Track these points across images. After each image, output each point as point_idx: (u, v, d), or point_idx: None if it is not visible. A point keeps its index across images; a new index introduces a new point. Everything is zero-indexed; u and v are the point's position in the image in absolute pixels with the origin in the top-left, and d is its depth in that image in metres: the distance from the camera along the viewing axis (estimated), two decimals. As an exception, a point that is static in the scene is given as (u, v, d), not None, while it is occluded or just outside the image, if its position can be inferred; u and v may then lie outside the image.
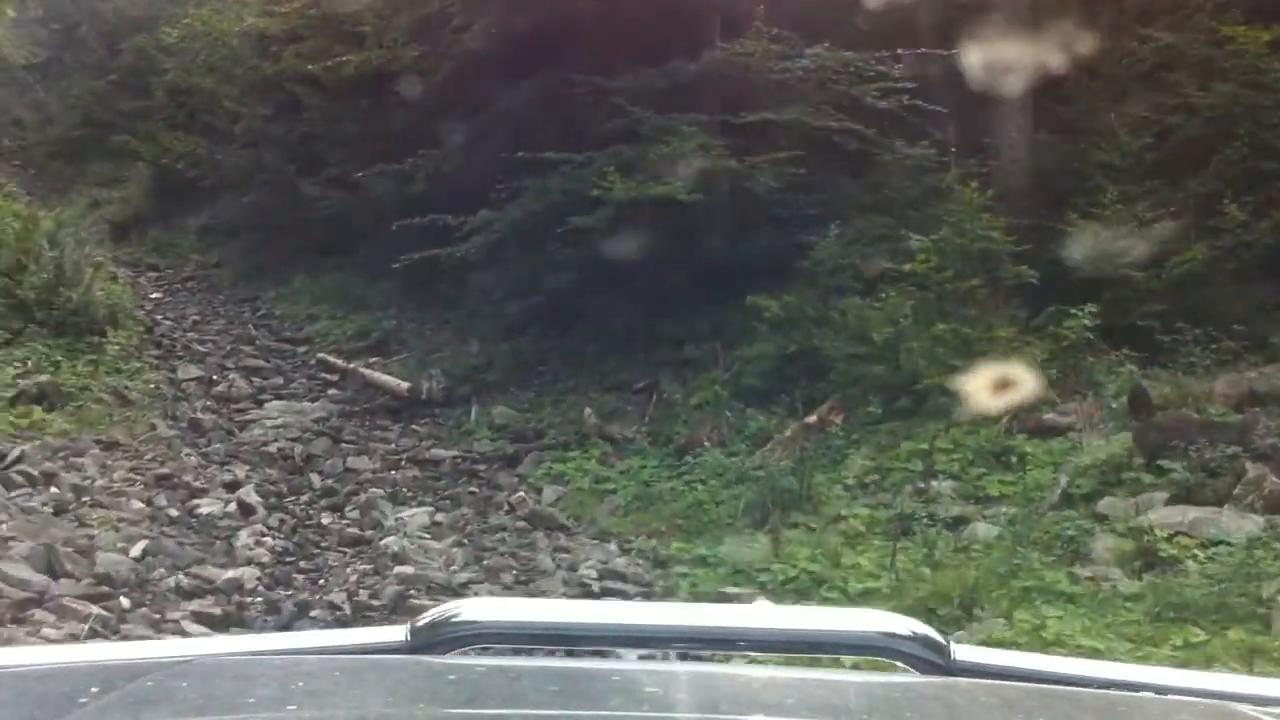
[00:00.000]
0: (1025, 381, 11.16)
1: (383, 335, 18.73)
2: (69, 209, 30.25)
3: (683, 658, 1.87)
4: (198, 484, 11.82)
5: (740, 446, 12.47)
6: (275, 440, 13.80)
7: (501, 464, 13.61)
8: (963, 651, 1.64)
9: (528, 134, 16.10)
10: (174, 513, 10.91)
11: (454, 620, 1.64)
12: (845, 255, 14.19)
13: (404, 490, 12.60)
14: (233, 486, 11.86)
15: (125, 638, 7.61)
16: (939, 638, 1.65)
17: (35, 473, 11.25)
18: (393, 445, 14.30)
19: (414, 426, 15.24)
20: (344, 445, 13.94)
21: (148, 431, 13.31)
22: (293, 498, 11.97)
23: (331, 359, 17.92)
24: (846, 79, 14.95)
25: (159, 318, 20.36)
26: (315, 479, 12.66)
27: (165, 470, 11.99)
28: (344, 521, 11.39)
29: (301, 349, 19.04)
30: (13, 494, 10.72)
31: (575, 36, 15.95)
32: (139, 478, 11.69)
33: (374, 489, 12.47)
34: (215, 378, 16.51)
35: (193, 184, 25.82)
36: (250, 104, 23.76)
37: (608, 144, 15.15)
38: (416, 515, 11.67)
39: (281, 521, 11.24)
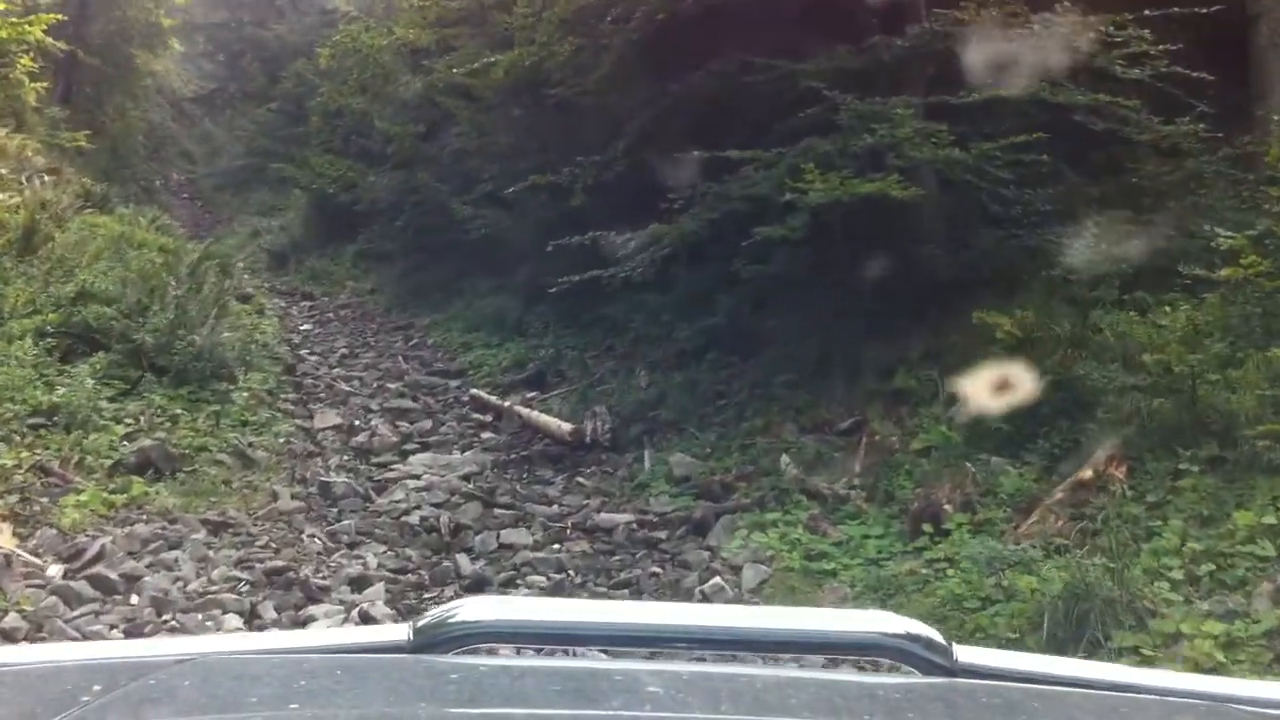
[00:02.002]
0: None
1: (541, 366, 15.53)
2: (228, 240, 28.04)
3: (686, 658, 1.63)
4: (318, 579, 8.68)
5: (995, 512, 8.91)
6: (418, 507, 10.62)
7: (686, 530, 10.24)
8: (965, 653, 1.53)
9: (702, 132, 12.69)
10: (278, 629, 7.74)
11: (456, 620, 1.52)
12: (1105, 259, 10.49)
13: (571, 574, 9.30)
14: (360, 584, 8.65)
15: None
16: (941, 639, 1.52)
17: (114, 576, 8.22)
18: (555, 507, 11.01)
19: (579, 479, 11.95)
20: (498, 511, 10.67)
21: (267, 504, 10.21)
22: (435, 593, 8.71)
23: (485, 395, 14.75)
24: (1088, 46, 11.26)
25: (305, 353, 17.44)
26: (464, 561, 9.43)
27: (280, 561, 8.84)
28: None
29: (454, 383, 15.94)
30: (77, 612, 7.70)
31: (754, 16, 12.47)
32: (244, 576, 8.55)
33: (535, 573, 9.20)
34: (357, 423, 13.42)
35: (348, 209, 23.03)
36: (401, 122, 20.75)
37: (799, 138, 11.69)
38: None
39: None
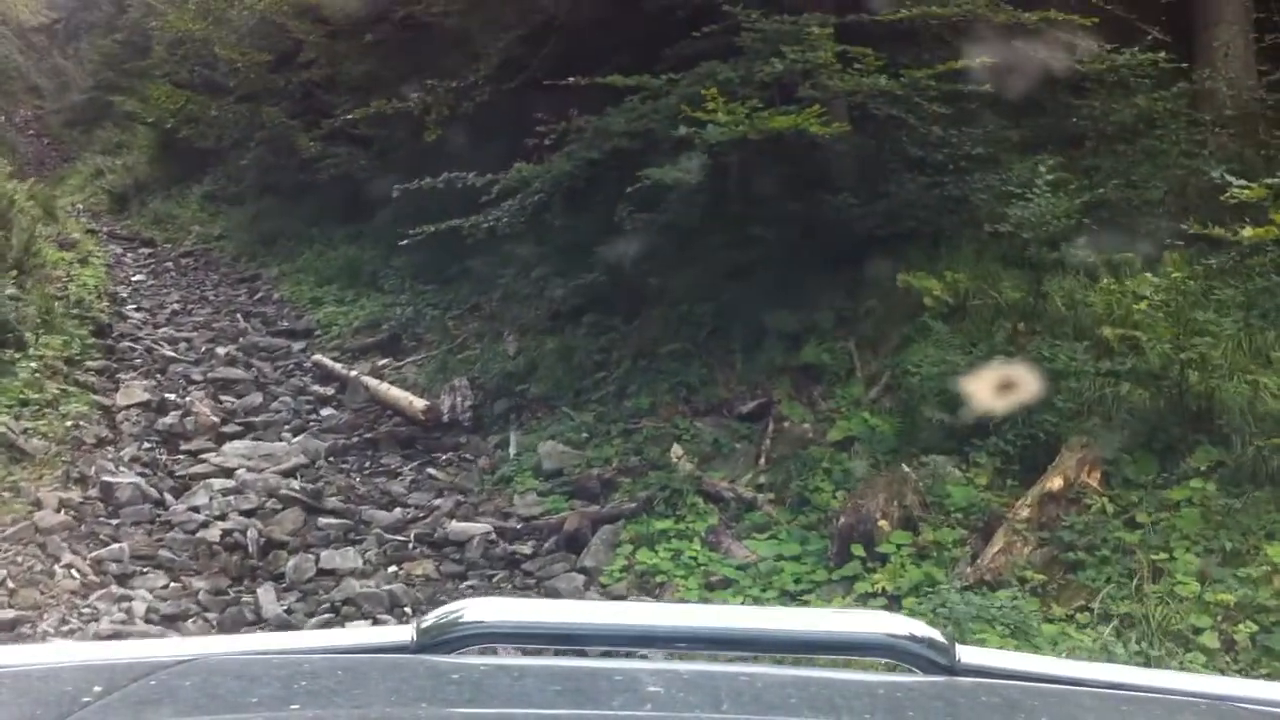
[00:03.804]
0: None
1: (396, 328, 13.14)
2: (70, 179, 25.05)
3: (686, 658, 1.55)
4: (60, 634, 6.25)
5: (945, 533, 6.81)
6: (223, 516, 8.24)
7: (557, 544, 8.04)
8: (967, 653, 1.45)
9: (580, 57, 10.30)
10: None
11: (458, 620, 1.45)
12: (1046, 212, 8.40)
13: (405, 611, 7.04)
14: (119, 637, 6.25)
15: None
16: (943, 639, 1.45)
17: None
18: (397, 511, 8.69)
19: (431, 471, 9.65)
20: (324, 520, 8.32)
21: (24, 517, 7.73)
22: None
23: (329, 363, 12.34)
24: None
25: (130, 309, 14.82)
26: (268, 597, 7.10)
27: (9, 610, 6.43)
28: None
29: (299, 345, 13.49)
30: None
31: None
32: (-41, 631, 6.15)
33: (358, 614, 6.92)
34: (170, 399, 10.91)
35: (194, 147, 20.25)
36: (245, 50, 18.00)
37: (693, 64, 9.42)
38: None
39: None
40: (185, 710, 1.28)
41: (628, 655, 1.60)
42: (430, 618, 1.49)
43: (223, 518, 8.18)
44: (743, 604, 6.82)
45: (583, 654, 1.62)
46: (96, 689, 1.26)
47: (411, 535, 8.17)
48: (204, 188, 21.31)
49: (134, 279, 16.95)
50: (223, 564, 7.56)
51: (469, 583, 7.56)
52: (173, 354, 12.76)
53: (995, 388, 7.69)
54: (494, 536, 8.16)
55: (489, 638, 1.48)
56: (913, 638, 1.46)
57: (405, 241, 10.95)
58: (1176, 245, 8.90)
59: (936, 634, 1.48)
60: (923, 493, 7.09)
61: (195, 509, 8.31)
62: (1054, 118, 10.66)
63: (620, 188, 9.84)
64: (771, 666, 1.88)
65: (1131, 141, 9.72)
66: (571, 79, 9.42)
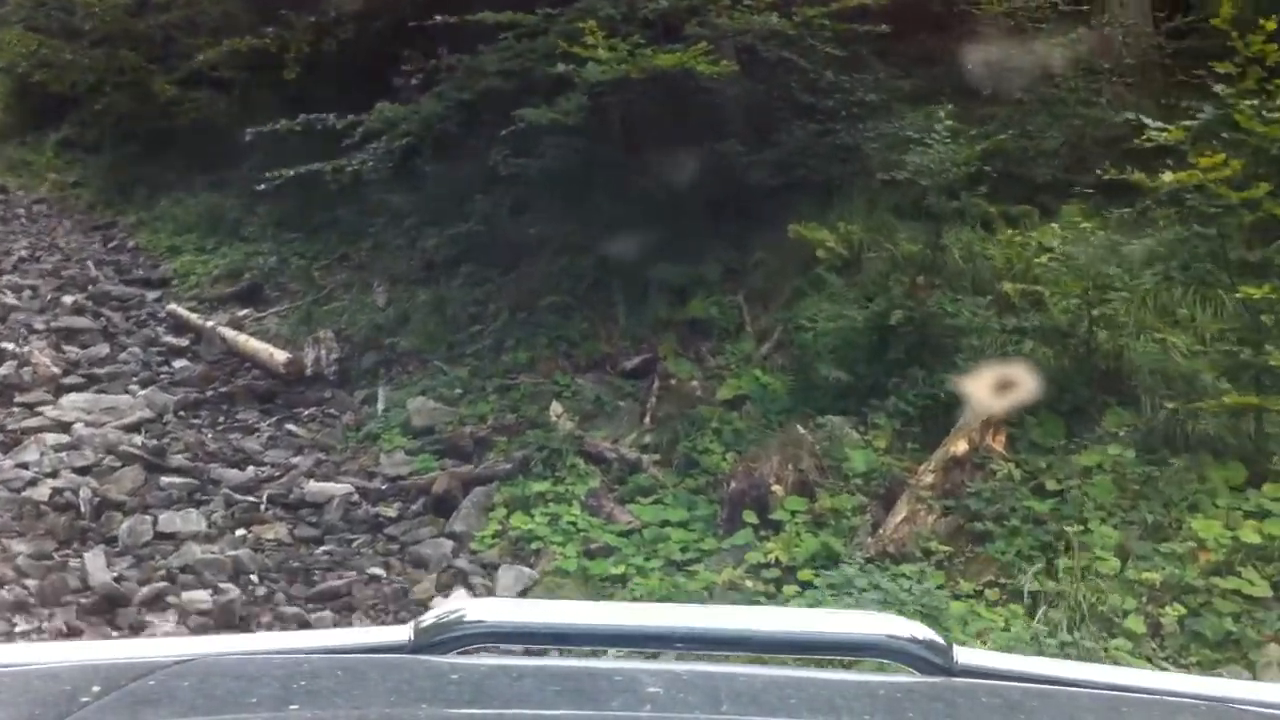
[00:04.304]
0: None
1: (258, 277, 12.18)
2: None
3: (686, 658, 1.49)
4: None
5: (843, 500, 6.21)
6: (54, 473, 7.34)
7: (425, 506, 7.32)
8: (965, 653, 1.41)
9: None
10: None
11: (457, 620, 1.42)
12: (942, 160, 7.82)
13: (251, 580, 6.27)
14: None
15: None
16: (941, 639, 1.42)
17: None
18: (251, 470, 7.86)
19: (291, 427, 8.83)
20: (166, 478, 7.47)
21: None
22: (34, 620, 5.57)
23: (184, 313, 11.38)
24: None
25: (-29, 256, 13.60)
26: (97, 563, 6.25)
27: None
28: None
29: (154, 294, 12.46)
30: None
31: None
32: None
33: (198, 584, 6.13)
34: (9, 348, 9.87)
35: (50, 93, 18.83)
36: (101, -12, 16.70)
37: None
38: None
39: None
40: (184, 710, 1.26)
41: (628, 655, 1.54)
42: (429, 618, 1.46)
43: (54, 475, 7.31)
44: (624, 573, 6.19)
45: (582, 654, 1.57)
46: (95, 689, 1.24)
47: (264, 496, 7.37)
48: (60, 134, 19.91)
49: (-20, 225, 15.69)
50: (50, 525, 6.70)
51: (325, 548, 6.82)
52: (15, 302, 11.67)
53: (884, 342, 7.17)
54: (356, 497, 7.41)
55: (488, 638, 1.45)
56: (911, 639, 1.42)
57: (263, 186, 10.04)
58: (1071, 197, 8.48)
59: (935, 635, 1.44)
60: (819, 456, 6.51)
61: (24, 465, 7.40)
62: (946, 67, 10.17)
63: (495, 132, 9.11)
64: (771, 667, 1.85)
65: (1030, 89, 9.22)
66: (439, 17, 8.60)
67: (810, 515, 6.19)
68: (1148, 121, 6.28)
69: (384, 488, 7.58)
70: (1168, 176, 6.05)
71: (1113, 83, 9.57)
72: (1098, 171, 6.99)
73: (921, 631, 1.43)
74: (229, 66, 13.67)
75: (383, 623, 5.92)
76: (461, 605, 1.49)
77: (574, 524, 6.72)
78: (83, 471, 7.37)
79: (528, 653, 1.67)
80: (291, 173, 9.66)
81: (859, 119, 9.31)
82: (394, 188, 11.24)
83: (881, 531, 5.84)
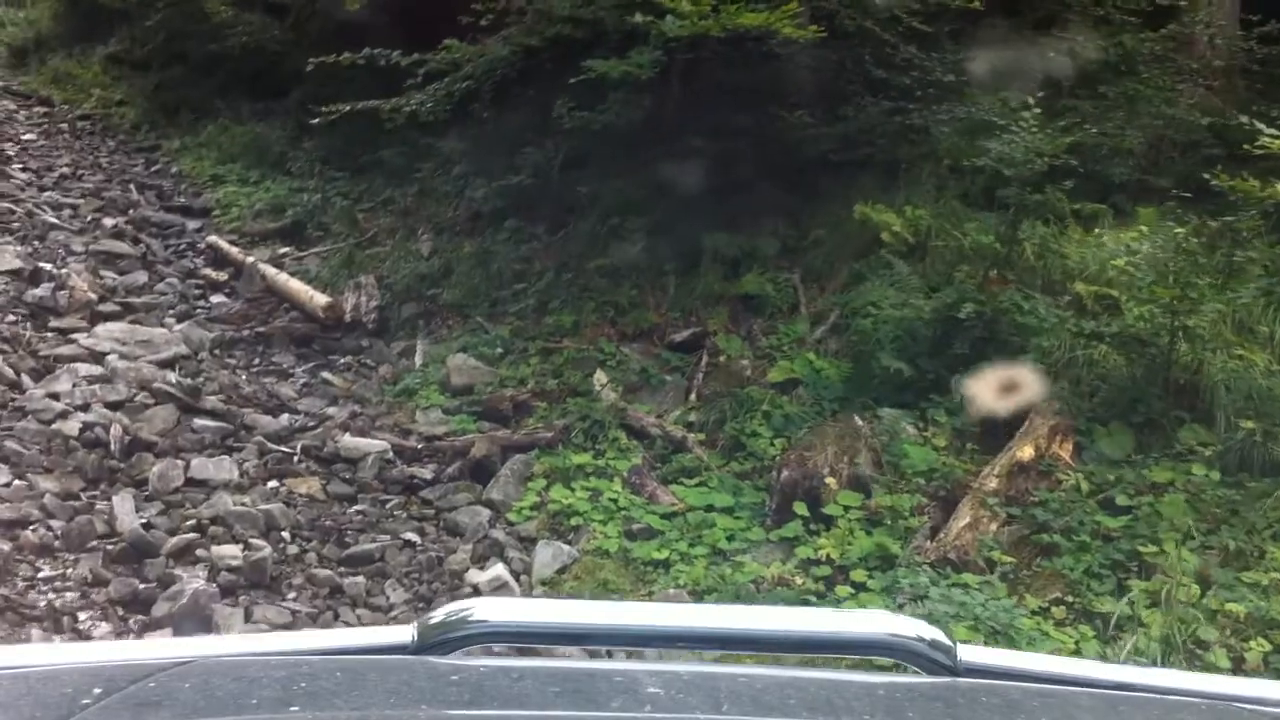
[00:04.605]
0: None
1: (302, 214, 11.89)
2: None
3: (686, 658, 1.54)
4: None
5: (901, 499, 5.92)
6: (85, 406, 7.11)
7: (461, 470, 7.05)
8: (967, 652, 1.38)
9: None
10: None
11: (459, 620, 1.40)
12: (1022, 151, 7.43)
13: (283, 537, 6.03)
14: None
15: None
16: (944, 638, 1.38)
17: None
18: (285, 418, 7.62)
19: (327, 375, 8.59)
20: (200, 420, 7.23)
21: None
22: (59, 566, 5.35)
23: (225, 245, 11.12)
24: None
25: (14, 169, 13.36)
26: (124, 506, 6.03)
27: None
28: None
29: (194, 224, 12.22)
30: None
31: None
32: None
33: (227, 538, 5.89)
34: (46, 268, 9.63)
35: (99, 4, 18.55)
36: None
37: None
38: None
39: None
40: (184, 712, 1.24)
41: (628, 655, 1.55)
42: (430, 618, 1.43)
43: (85, 409, 7.06)
44: (668, 559, 5.92)
45: (583, 654, 1.61)
46: (96, 691, 1.22)
47: (298, 447, 7.12)
48: (109, 49, 19.59)
49: (23, 138, 15.42)
50: (79, 463, 6.47)
51: (358, 507, 6.58)
52: (55, 220, 11.44)
53: (951, 335, 6.86)
54: (391, 455, 7.15)
55: (489, 638, 1.44)
56: (914, 638, 1.39)
57: (316, 120, 9.77)
58: (1148, 199, 8.15)
59: (938, 634, 1.40)
60: (877, 450, 6.21)
61: (55, 396, 7.16)
62: (1022, 53, 9.79)
63: (556, 83, 8.81)
64: (771, 666, 1.84)
65: (1113, 84, 8.84)
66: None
67: (865, 512, 5.90)
68: (1261, 127, 5.90)
69: (419, 447, 7.33)
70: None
71: (1197, 84, 9.20)
72: (1205, 175, 6.60)
73: (925, 630, 1.40)
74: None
75: (418, 593, 5.69)
76: (462, 606, 1.46)
77: (615, 501, 6.45)
78: (114, 407, 7.13)
79: (528, 653, 1.65)
80: (347, 108, 9.37)
81: (933, 100, 8.94)
82: (446, 133, 10.94)
83: (942, 536, 5.55)
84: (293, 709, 1.22)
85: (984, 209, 8.36)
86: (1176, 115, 8.67)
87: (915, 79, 8.93)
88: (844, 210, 8.54)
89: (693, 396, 7.64)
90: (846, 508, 5.92)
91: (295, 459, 6.97)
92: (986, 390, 6.21)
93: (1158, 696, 1.39)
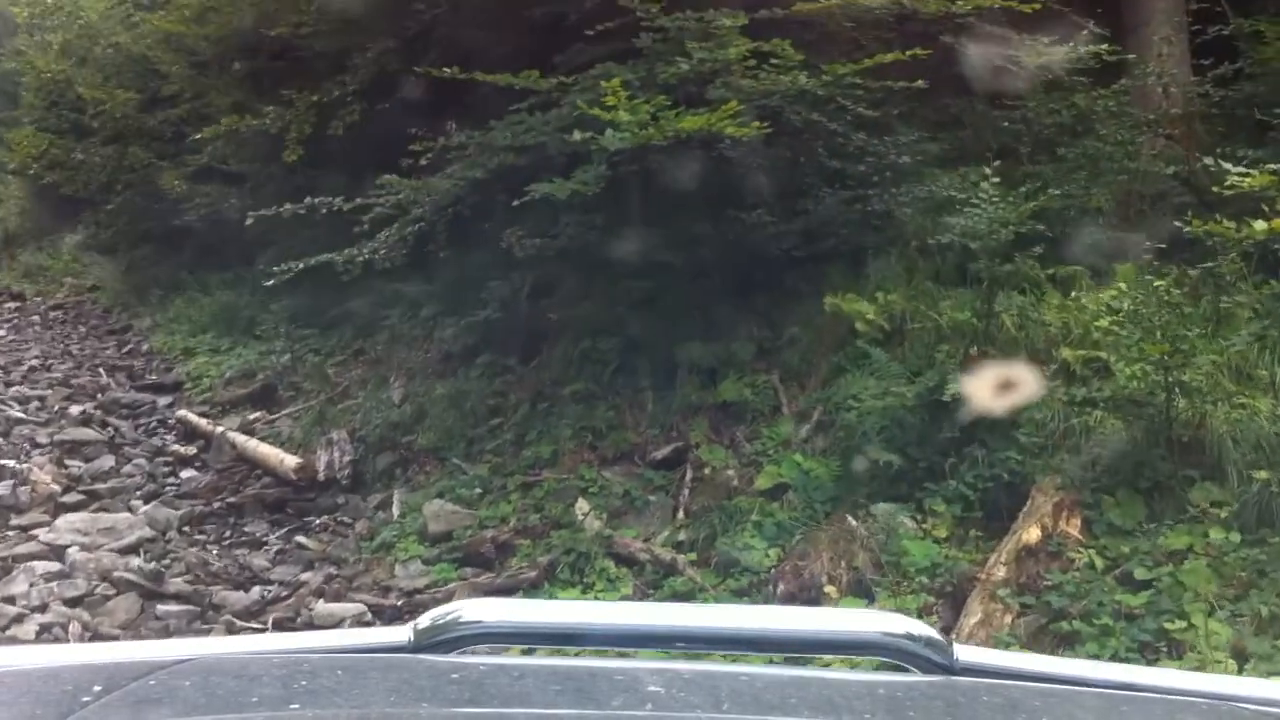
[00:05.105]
0: None
1: (272, 377, 11.60)
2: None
3: (686, 658, 1.48)
4: None
5: (906, 599, 5.49)
6: (43, 607, 6.68)
7: (443, 623, 6.61)
8: (965, 652, 1.37)
9: (457, 61, 8.93)
10: None
11: (457, 620, 1.38)
12: (985, 223, 7.12)
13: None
14: None
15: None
16: (941, 638, 1.38)
17: None
18: (256, 591, 7.20)
19: (300, 539, 8.17)
20: (164, 605, 6.80)
21: None
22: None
23: (194, 419, 10.79)
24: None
25: (-20, 367, 13.10)
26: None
27: None
28: None
29: (165, 400, 11.92)
30: None
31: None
32: None
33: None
34: (8, 464, 9.27)
35: (64, 194, 18.48)
36: (110, 88, 16.37)
37: (586, 68, 8.12)
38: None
39: None
40: (185, 710, 1.22)
41: (627, 655, 1.47)
42: (428, 617, 1.40)
43: (42, 609, 6.64)
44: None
45: (582, 654, 1.53)
46: (96, 689, 1.21)
47: (270, 621, 6.67)
48: (78, 237, 19.56)
49: (-8, 335, 15.24)
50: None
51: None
52: (20, 414, 11.11)
53: (936, 419, 6.47)
54: (369, 618, 6.70)
55: (487, 637, 1.39)
56: (911, 637, 1.36)
57: (271, 281, 9.50)
58: (1123, 257, 7.85)
59: (935, 633, 1.38)
60: (875, 550, 5.79)
61: (10, 600, 6.74)
62: (973, 130, 9.60)
63: (510, 212, 8.53)
64: (771, 666, 1.87)
65: (1071, 145, 8.58)
66: (449, 69, 8.04)
67: (870, 620, 5.46)
68: (1228, 167, 5.59)
69: (399, 604, 6.89)
70: (1259, 225, 5.34)
71: (1158, 135, 8.96)
72: (1176, 223, 6.29)
73: (921, 629, 1.39)
74: (237, 159, 13.22)
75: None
76: (461, 605, 1.43)
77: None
78: (74, 603, 6.71)
79: (527, 653, 1.63)
80: (300, 265, 9.12)
81: (891, 183, 8.68)
82: (408, 276, 10.69)
83: (955, 637, 5.10)
84: (293, 706, 1.20)
85: (957, 285, 8.06)
86: (1140, 168, 8.41)
87: (871, 164, 8.67)
88: (815, 305, 8.24)
89: (680, 514, 7.22)
90: (850, 616, 5.47)
91: (268, 631, 6.53)
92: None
93: (1159, 696, 1.36)
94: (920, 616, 5.35)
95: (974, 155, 9.07)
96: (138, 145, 15.86)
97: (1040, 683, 1.38)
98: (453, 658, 1.35)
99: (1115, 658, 4.77)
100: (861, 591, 5.61)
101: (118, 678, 1.25)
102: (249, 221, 9.21)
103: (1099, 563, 5.37)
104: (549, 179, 7.88)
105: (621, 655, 1.49)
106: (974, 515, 6.07)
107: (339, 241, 9.52)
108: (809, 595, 5.62)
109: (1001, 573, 5.36)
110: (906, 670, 1.37)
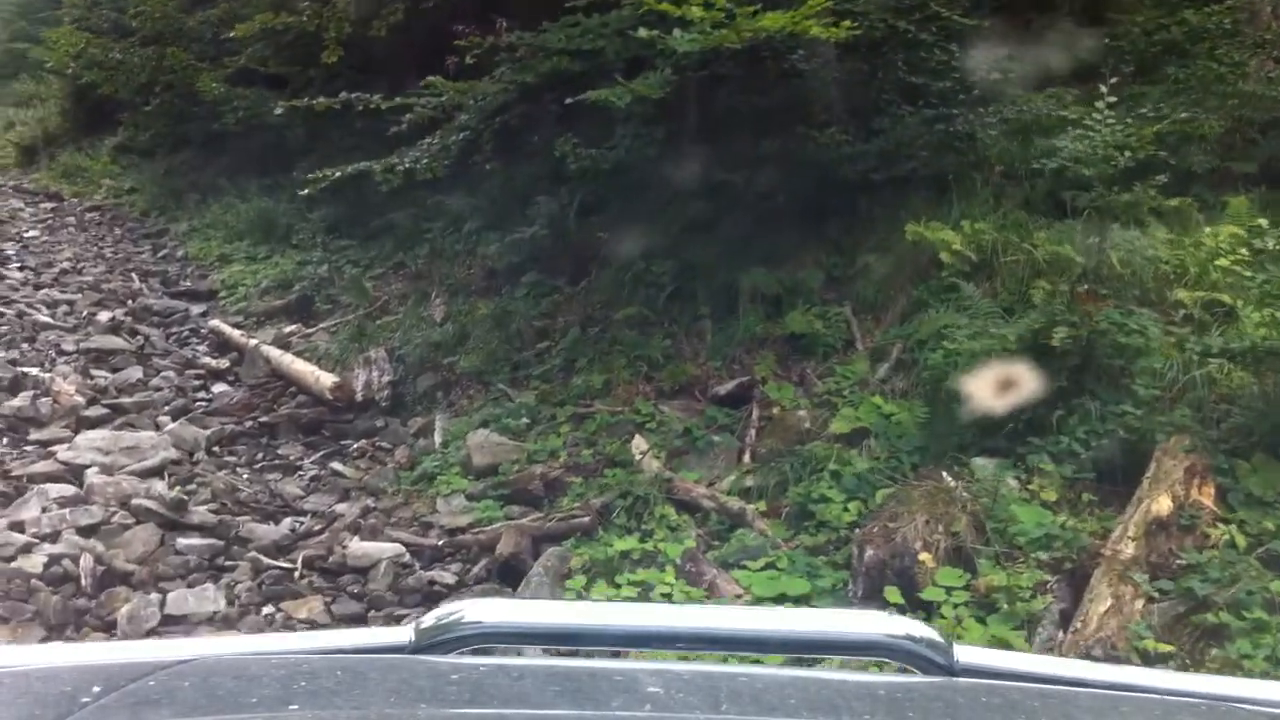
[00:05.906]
0: None
1: (309, 288, 10.80)
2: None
3: (686, 658, 1.45)
4: None
5: (1019, 576, 4.68)
6: (55, 534, 5.95)
7: (487, 570, 5.85)
8: (965, 653, 1.32)
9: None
10: None
11: (458, 620, 1.34)
12: (1085, 148, 6.19)
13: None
14: None
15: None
16: (941, 638, 1.33)
17: None
18: (286, 523, 6.46)
19: (336, 465, 7.42)
20: (185, 539, 6.06)
21: None
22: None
23: (228, 330, 10.03)
24: None
25: (11, 269, 12.36)
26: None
27: None
28: None
29: (199, 308, 11.17)
30: None
31: None
32: None
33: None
34: (30, 373, 8.51)
35: (104, 96, 17.64)
36: (149, -14, 15.44)
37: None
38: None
39: None
40: (184, 710, 1.17)
41: (627, 655, 1.44)
42: (429, 618, 1.35)
43: (54, 538, 5.91)
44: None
45: (582, 654, 1.50)
46: (95, 689, 1.16)
47: (299, 559, 5.93)
48: (116, 139, 18.76)
49: (27, 235, 14.48)
50: (40, 605, 5.31)
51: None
52: (48, 319, 10.37)
53: (1044, 367, 5.62)
54: (407, 558, 5.96)
55: (488, 638, 1.35)
56: (911, 637, 1.31)
57: (306, 190, 8.69)
58: (1233, 188, 6.97)
59: (934, 633, 1.33)
60: (978, 513, 4.97)
61: (19, 526, 6.01)
62: (1063, 47, 8.61)
63: (561, 122, 7.66)
64: (771, 666, 1.78)
65: (1180, 65, 7.63)
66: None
67: (972, 594, 4.66)
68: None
69: (440, 544, 6.14)
70: None
71: (1267, 58, 8.00)
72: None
73: (921, 630, 1.32)
74: (276, 60, 12.35)
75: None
76: (462, 606, 1.36)
77: (669, 597, 5.23)
78: (88, 532, 5.97)
79: (528, 653, 1.59)
80: (338, 173, 8.30)
81: (977, 102, 7.76)
82: (451, 188, 9.88)
83: (1080, 625, 4.28)
84: (292, 707, 1.13)
85: (1048, 215, 7.18)
86: (1255, 91, 7.46)
87: (956, 81, 7.75)
88: (892, 232, 7.37)
89: (746, 458, 6.42)
90: (949, 589, 4.68)
91: (296, 574, 5.79)
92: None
93: (1157, 697, 1.30)
94: (1035, 596, 4.55)
95: (1062, 76, 8.15)
96: (177, 46, 14.94)
97: (1040, 683, 1.32)
98: (453, 658, 1.31)
99: (1271, 659, 3.97)
100: (961, 561, 4.81)
101: (117, 678, 1.19)
102: (278, 111, 8.36)
103: (1240, 540, 4.55)
104: (606, 83, 6.98)
105: (621, 656, 1.46)
106: (1085, 476, 5.24)
107: (381, 151, 8.75)
108: (901, 562, 4.81)
109: (1130, 549, 4.53)
110: (907, 671, 1.32)
